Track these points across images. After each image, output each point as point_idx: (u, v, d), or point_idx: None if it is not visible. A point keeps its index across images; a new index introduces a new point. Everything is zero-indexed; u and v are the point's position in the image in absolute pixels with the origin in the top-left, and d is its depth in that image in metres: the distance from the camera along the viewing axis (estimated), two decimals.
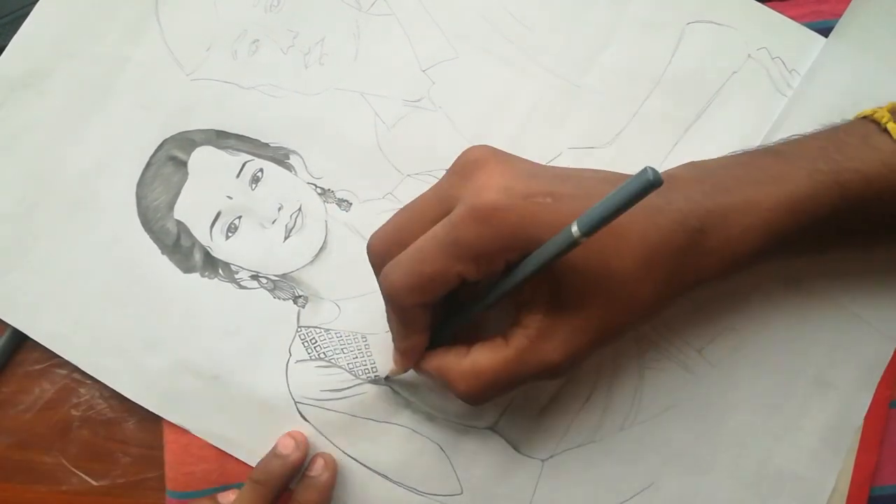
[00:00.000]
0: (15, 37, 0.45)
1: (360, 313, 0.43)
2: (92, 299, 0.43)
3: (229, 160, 0.44)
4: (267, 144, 0.44)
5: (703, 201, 0.35)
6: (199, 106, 0.44)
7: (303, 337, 0.43)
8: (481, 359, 0.36)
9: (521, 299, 0.36)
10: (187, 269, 0.43)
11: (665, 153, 0.44)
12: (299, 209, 0.44)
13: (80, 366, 0.43)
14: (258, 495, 0.40)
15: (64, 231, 0.44)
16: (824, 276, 0.42)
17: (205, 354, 0.43)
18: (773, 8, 0.44)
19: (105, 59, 0.45)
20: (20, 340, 0.44)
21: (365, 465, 0.42)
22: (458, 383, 0.36)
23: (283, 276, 0.43)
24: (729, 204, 0.35)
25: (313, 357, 0.43)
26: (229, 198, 0.44)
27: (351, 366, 0.43)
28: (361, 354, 0.43)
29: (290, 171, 0.44)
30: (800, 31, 0.44)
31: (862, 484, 0.42)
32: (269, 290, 0.43)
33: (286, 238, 0.43)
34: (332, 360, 0.43)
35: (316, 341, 0.43)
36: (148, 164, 0.44)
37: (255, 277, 0.43)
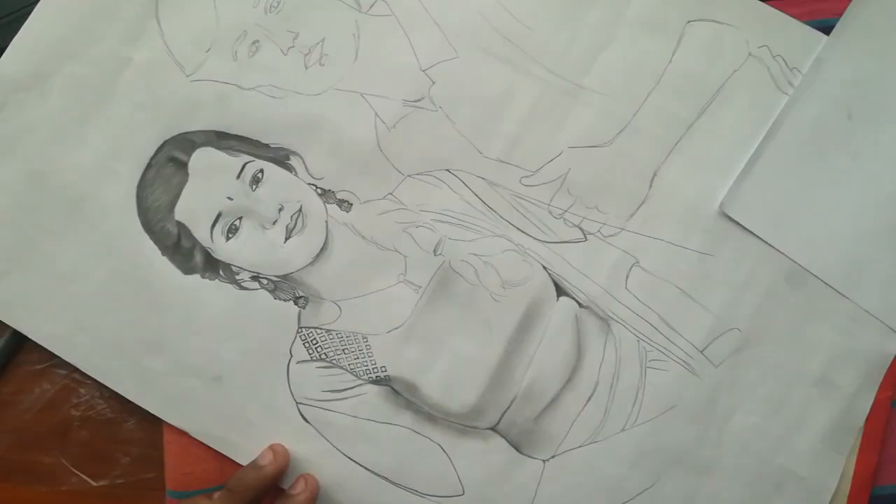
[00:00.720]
0: (15, 38, 0.45)
1: (360, 314, 0.43)
2: (92, 301, 0.43)
3: (230, 161, 0.44)
4: (267, 145, 0.44)
5: None
6: (200, 107, 0.44)
7: (304, 338, 0.43)
8: None
9: None
10: (188, 270, 0.43)
11: (666, 152, 0.44)
12: (300, 210, 0.44)
13: (80, 367, 0.43)
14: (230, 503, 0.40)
15: (64, 232, 0.44)
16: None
17: (206, 356, 0.43)
18: (775, 6, 0.44)
19: (105, 61, 0.45)
20: (20, 341, 0.44)
21: (366, 468, 0.42)
22: None
23: (284, 276, 0.43)
24: None
25: (314, 358, 0.43)
26: (230, 199, 0.44)
27: (352, 366, 0.43)
28: (363, 355, 0.43)
29: (291, 172, 0.44)
30: (801, 29, 0.44)
31: (863, 484, 0.42)
32: (269, 291, 0.43)
33: (287, 239, 0.43)
34: (334, 361, 0.43)
35: (317, 342, 0.43)
36: (148, 166, 0.44)
37: (255, 278, 0.43)
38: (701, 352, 0.42)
